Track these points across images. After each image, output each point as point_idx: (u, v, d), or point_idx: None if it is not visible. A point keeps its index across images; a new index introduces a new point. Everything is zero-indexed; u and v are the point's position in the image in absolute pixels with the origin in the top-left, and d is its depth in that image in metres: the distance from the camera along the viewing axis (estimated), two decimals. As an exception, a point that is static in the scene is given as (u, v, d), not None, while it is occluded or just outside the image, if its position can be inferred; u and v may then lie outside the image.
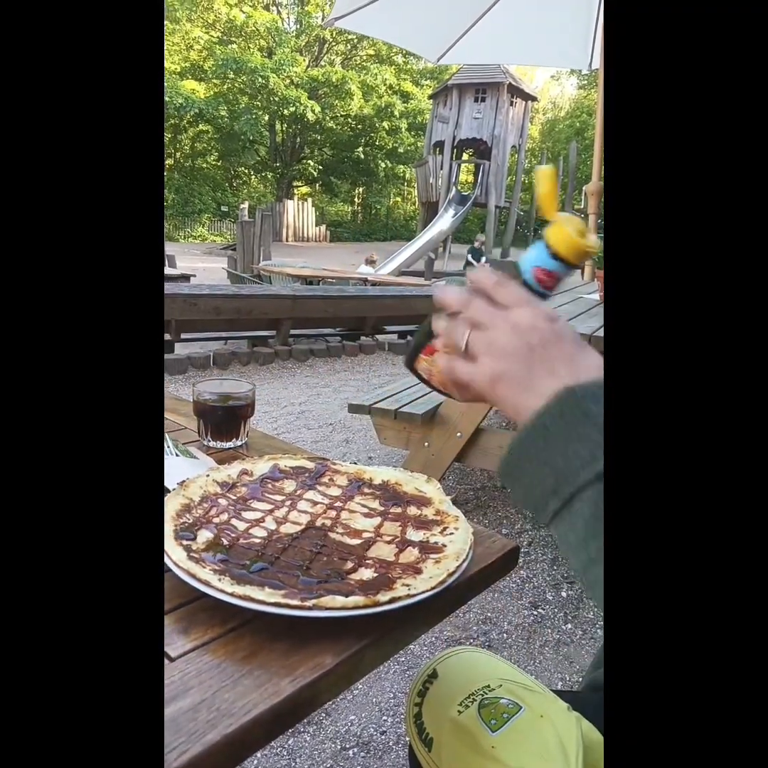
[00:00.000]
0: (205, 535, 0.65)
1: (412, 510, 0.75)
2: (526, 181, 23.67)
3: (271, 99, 23.86)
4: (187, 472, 0.80)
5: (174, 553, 0.60)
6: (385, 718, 1.53)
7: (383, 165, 27.76)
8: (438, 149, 19.87)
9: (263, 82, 22.95)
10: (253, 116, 24.27)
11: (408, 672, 1.70)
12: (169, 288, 5.16)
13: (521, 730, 0.66)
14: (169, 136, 25.16)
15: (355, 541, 0.68)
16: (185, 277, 6.72)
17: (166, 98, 22.19)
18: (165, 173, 24.90)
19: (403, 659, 1.74)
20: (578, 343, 0.45)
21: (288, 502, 0.75)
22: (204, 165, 27.37)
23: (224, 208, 26.00)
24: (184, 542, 0.62)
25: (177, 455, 0.88)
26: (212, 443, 0.95)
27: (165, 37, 24.43)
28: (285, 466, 0.84)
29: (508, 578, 2.17)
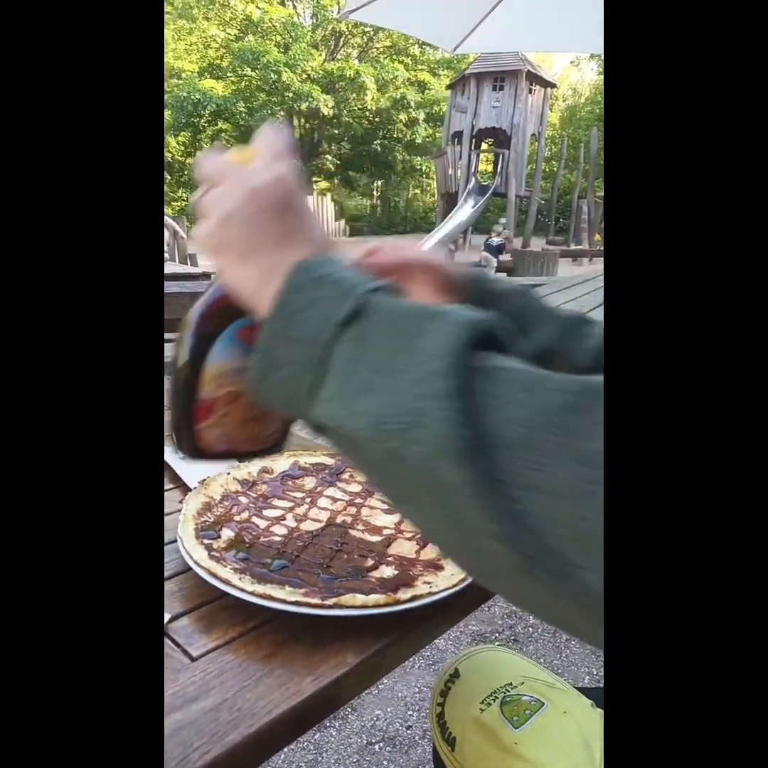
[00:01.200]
0: (226, 534, 0.65)
1: (433, 506, 0.75)
2: (547, 170, 23.39)
3: (286, 95, 23.89)
4: (207, 470, 0.80)
5: (195, 552, 0.60)
6: (410, 712, 1.53)
7: (401, 157, 27.65)
8: (456, 140, 19.71)
9: (276, 76, 22.97)
10: (270, 111, 24.33)
11: (433, 667, 1.69)
12: (191, 286, 5.20)
13: (544, 726, 0.65)
14: (189, 136, 25.36)
15: (376, 538, 0.68)
16: (207, 275, 6.75)
17: (184, 94, 22.36)
18: (185, 172, 25.10)
19: (428, 654, 1.74)
20: (305, 213, 0.41)
21: (308, 500, 0.75)
22: (224, 163, 27.50)
23: (244, 206, 26.08)
24: (205, 541, 0.63)
25: (198, 453, 0.89)
26: (233, 441, 0.95)
27: (182, 36, 24.72)
28: (305, 462, 0.84)
29: (533, 572, 2.15)
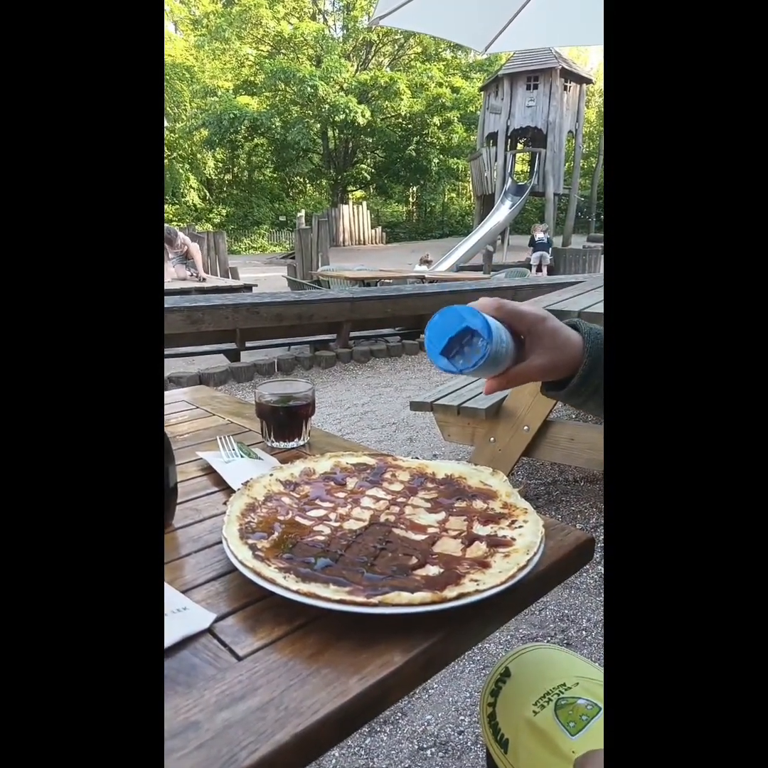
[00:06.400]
0: (270, 534, 0.65)
1: (478, 504, 0.73)
2: (585, 166, 22.99)
3: (321, 107, 24.19)
4: (251, 473, 0.80)
5: (240, 552, 0.60)
6: (462, 717, 1.50)
7: (436, 160, 27.60)
8: (491, 141, 19.55)
9: (312, 90, 23.28)
10: (305, 125, 24.69)
11: (484, 671, 1.66)
12: (232, 298, 5.31)
13: (602, 732, 0.63)
14: (227, 152, 25.94)
15: (420, 537, 0.67)
16: (248, 288, 6.86)
17: (220, 112, 22.92)
18: (224, 188, 25.65)
19: (478, 658, 1.71)
20: None
21: (351, 499, 0.74)
22: (260, 178, 28.01)
23: (282, 218, 26.50)
24: (250, 541, 0.63)
25: (242, 456, 0.89)
26: (275, 444, 0.96)
27: (217, 56, 25.31)
28: (347, 463, 0.83)
29: (585, 574, 2.09)
